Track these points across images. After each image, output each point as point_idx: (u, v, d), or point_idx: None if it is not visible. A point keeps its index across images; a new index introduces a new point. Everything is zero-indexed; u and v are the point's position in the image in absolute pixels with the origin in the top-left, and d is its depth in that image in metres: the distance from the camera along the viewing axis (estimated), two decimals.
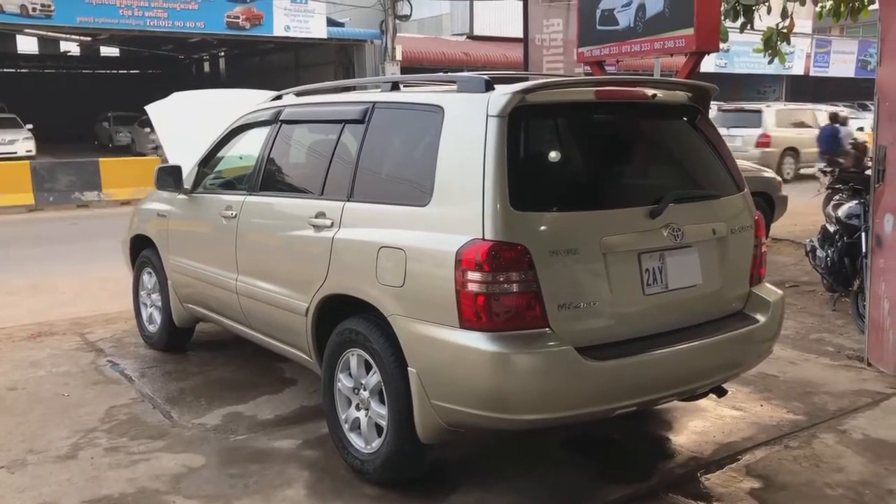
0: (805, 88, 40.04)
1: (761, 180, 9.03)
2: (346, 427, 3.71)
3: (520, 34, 10.53)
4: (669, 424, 4.25)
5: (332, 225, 3.73)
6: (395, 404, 3.35)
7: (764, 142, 18.01)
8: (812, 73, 37.57)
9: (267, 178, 4.45)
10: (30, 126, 22.85)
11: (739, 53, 30.72)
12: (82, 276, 8.27)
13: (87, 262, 8.89)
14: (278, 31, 22.65)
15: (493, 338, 3.01)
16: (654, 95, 3.67)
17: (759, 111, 18.89)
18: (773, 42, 9.48)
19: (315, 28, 23.16)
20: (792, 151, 18.65)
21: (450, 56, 27.11)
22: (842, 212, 6.61)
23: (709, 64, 26.18)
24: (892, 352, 5.03)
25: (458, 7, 30.24)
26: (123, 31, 22.45)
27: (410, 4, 23.50)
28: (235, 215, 4.50)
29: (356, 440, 3.65)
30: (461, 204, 3.16)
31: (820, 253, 6.81)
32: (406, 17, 23.82)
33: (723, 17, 7.84)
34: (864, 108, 34.76)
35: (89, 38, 30.98)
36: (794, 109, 20.59)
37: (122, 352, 5.62)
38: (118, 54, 39.54)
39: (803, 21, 21.29)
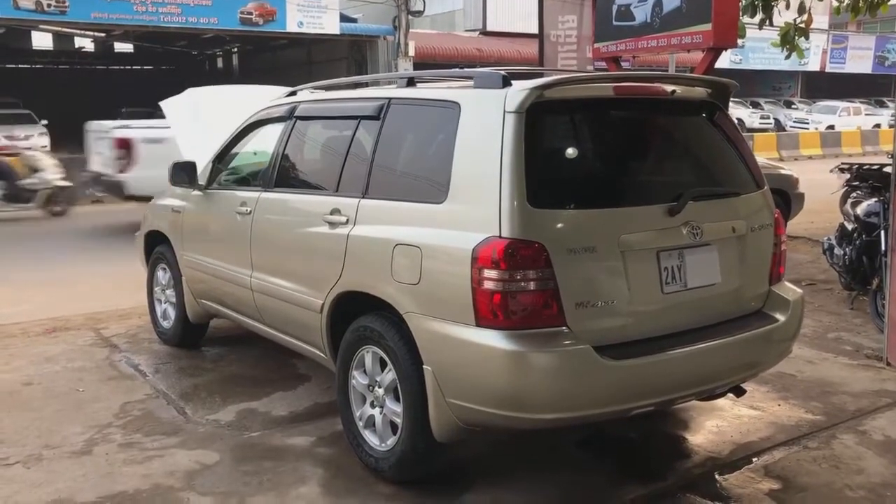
0: (821, 85, 39.81)
1: (778, 177, 8.94)
2: (360, 424, 3.70)
3: (532, 30, 10.48)
4: (686, 424, 4.22)
5: (347, 222, 3.71)
6: (411, 402, 3.33)
7: None
8: (828, 70, 37.32)
9: (282, 174, 4.44)
10: (45, 121, 23.00)
11: (755, 49, 30.55)
12: (97, 272, 8.30)
13: (102, 258, 8.93)
14: (291, 27, 22.69)
15: (510, 336, 2.98)
16: (674, 92, 3.62)
17: None
18: (791, 37, 9.39)
19: (328, 24, 23.18)
20: None
21: (463, 52, 27.09)
22: (860, 209, 6.54)
23: (724, 60, 25.98)
24: None
25: (470, 3, 30.21)
26: (137, 27, 22.52)
27: (423, 0, 23.46)
28: (250, 211, 4.49)
29: (371, 438, 3.64)
30: (478, 201, 3.13)
31: (837, 251, 6.74)
32: (419, 13, 23.77)
33: (741, 13, 7.76)
34: (881, 104, 34.53)
35: (103, 34, 31.11)
36: None
37: (136, 347, 5.63)
38: (132, 50, 39.70)
39: (819, 17, 21.11)
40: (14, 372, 5.09)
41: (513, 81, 3.24)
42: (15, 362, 5.29)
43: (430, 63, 24.64)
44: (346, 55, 26.78)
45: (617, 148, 3.66)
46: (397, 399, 3.44)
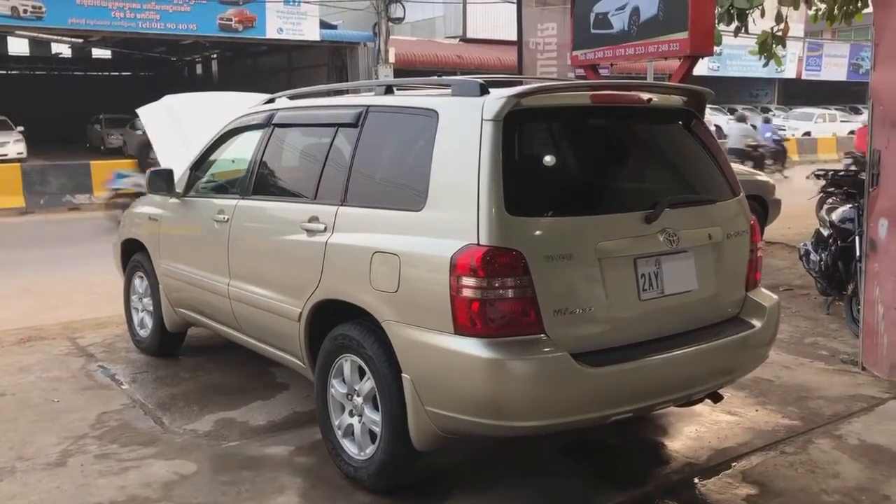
0: (797, 92, 40.31)
1: (755, 184, 9.03)
2: (339, 433, 3.68)
3: (513, 37, 10.51)
4: (665, 430, 4.23)
5: (325, 229, 3.70)
6: (389, 411, 3.32)
7: None
8: (804, 77, 37.82)
9: (259, 182, 4.42)
10: (21, 128, 22.72)
11: (732, 57, 30.88)
12: (73, 280, 8.21)
13: (78, 266, 8.82)
14: (271, 33, 22.64)
15: (488, 344, 2.98)
16: (650, 99, 3.65)
17: None
18: (769, 45, 9.50)
19: (308, 30, 23.15)
20: None
21: (443, 59, 27.14)
22: (836, 216, 6.61)
23: (702, 67, 26.25)
24: (887, 356, 5.02)
25: (451, 10, 30.28)
26: (115, 33, 22.42)
27: (403, 7, 23.51)
28: (227, 219, 4.46)
29: (349, 446, 3.62)
30: (456, 209, 3.13)
31: (814, 256, 6.81)
32: (399, 20, 23.82)
33: (717, 21, 7.84)
34: (856, 111, 35.01)
35: (81, 40, 30.94)
36: None
37: (113, 357, 5.57)
38: (110, 56, 39.42)
39: (795, 24, 21.38)
40: None
41: (490, 89, 3.25)
42: None
43: (411, 70, 24.66)
44: (326, 62, 26.76)
45: (594, 155, 3.68)
46: (376, 408, 3.43)
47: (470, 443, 3.73)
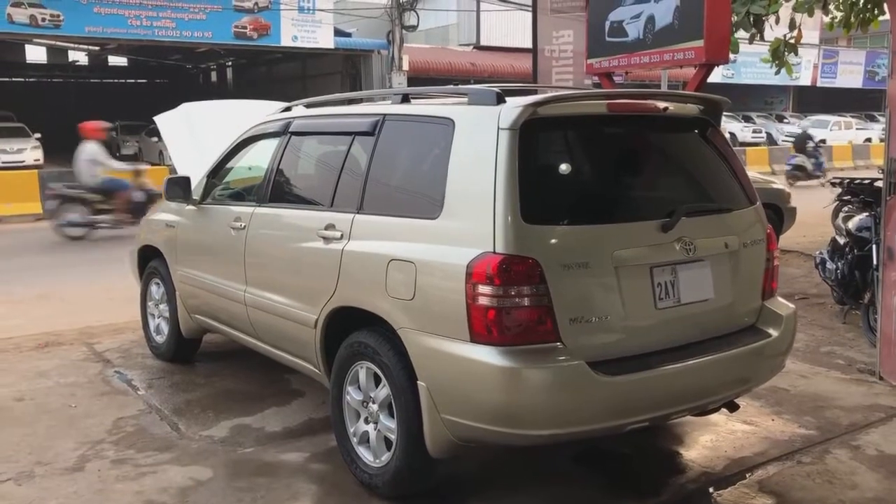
0: (812, 99, 40.09)
1: (770, 192, 8.99)
2: (354, 440, 3.69)
3: (526, 44, 10.52)
4: (680, 439, 4.22)
5: (341, 237, 3.72)
6: (405, 418, 3.33)
7: None
8: (819, 84, 37.60)
9: (276, 189, 4.45)
10: (38, 135, 22.95)
11: (747, 64, 30.74)
12: (90, 286, 8.28)
13: (95, 272, 8.90)
14: (286, 41, 22.78)
15: (504, 352, 2.99)
16: (666, 108, 3.65)
17: None
18: (781, 53, 9.46)
19: (322, 38, 23.27)
20: None
21: (456, 66, 27.20)
22: (852, 224, 6.58)
23: (716, 75, 26.19)
24: None
25: (464, 17, 30.37)
26: (131, 41, 22.58)
27: (417, 14, 23.58)
28: (244, 226, 4.49)
29: (365, 454, 3.63)
30: (472, 217, 3.14)
31: (830, 265, 6.77)
32: (413, 28, 23.89)
33: (734, 29, 7.81)
34: (872, 118, 34.79)
35: (98, 48, 31.20)
36: None
37: (129, 362, 5.61)
38: (126, 64, 39.77)
39: (810, 32, 21.27)
40: (6, 387, 5.06)
41: (507, 98, 3.26)
42: (6, 378, 5.26)
43: (424, 77, 24.73)
44: (340, 69, 26.88)
45: (610, 164, 3.68)
46: (391, 415, 3.44)
47: (485, 450, 3.73)
